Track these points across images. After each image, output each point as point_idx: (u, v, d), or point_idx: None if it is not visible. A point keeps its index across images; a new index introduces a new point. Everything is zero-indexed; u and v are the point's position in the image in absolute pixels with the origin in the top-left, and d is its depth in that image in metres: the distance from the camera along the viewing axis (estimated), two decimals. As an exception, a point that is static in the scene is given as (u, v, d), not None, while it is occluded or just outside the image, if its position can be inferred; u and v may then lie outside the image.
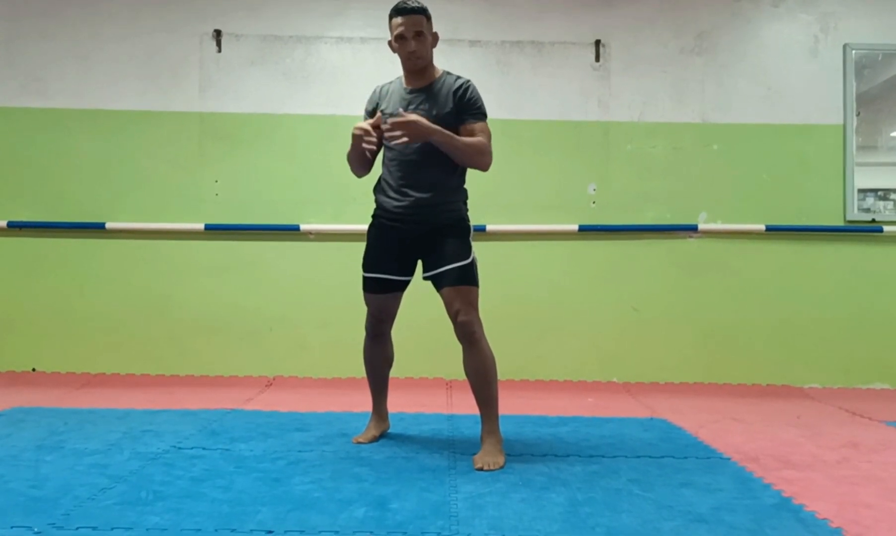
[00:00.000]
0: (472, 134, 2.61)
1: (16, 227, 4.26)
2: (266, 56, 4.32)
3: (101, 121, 4.29)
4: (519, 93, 4.33)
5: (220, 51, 4.31)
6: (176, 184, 4.29)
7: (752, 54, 4.38)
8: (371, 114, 2.72)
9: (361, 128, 2.52)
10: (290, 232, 4.28)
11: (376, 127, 2.61)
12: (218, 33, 4.31)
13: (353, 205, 4.21)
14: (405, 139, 2.45)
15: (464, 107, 2.61)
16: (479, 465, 2.46)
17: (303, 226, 4.26)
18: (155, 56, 4.31)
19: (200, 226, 4.26)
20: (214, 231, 4.28)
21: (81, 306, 4.26)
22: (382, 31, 4.26)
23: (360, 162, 2.69)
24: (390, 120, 2.48)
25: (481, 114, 2.65)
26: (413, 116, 2.47)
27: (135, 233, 4.28)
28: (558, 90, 4.34)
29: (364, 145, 2.54)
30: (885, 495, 2.24)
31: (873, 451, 2.78)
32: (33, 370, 4.26)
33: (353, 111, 4.23)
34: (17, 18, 4.30)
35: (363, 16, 4.30)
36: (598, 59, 4.34)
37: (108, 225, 4.25)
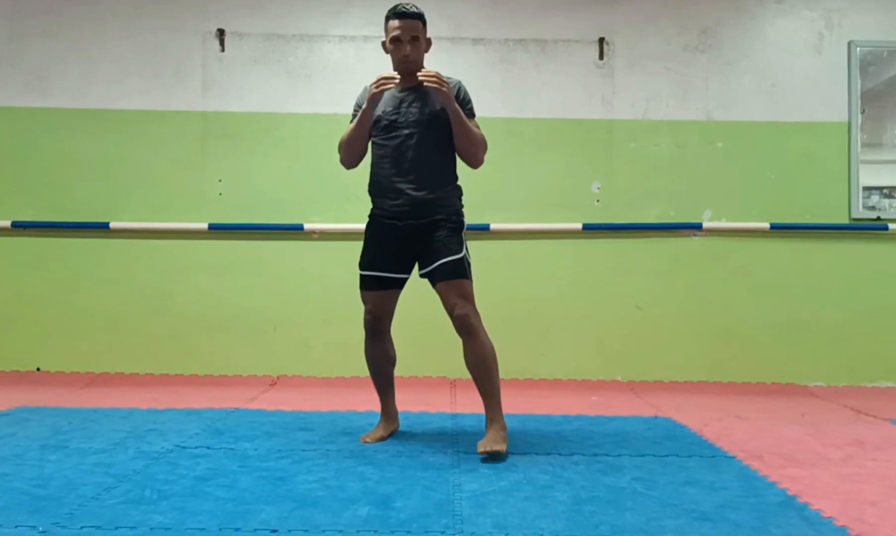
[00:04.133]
0: None
1: (20, 227, 4.26)
2: (269, 54, 4.32)
3: (104, 121, 4.30)
4: (522, 91, 4.32)
5: (223, 49, 4.31)
6: (179, 183, 4.30)
7: (757, 51, 4.36)
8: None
9: (383, 76, 2.55)
10: (293, 231, 4.28)
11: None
12: (221, 32, 4.31)
13: (356, 203, 4.18)
14: (436, 86, 2.51)
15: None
16: (481, 449, 2.51)
17: (306, 226, 4.26)
18: (158, 55, 4.31)
19: (204, 226, 4.26)
20: (218, 230, 4.28)
21: (85, 305, 4.27)
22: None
23: (362, 141, 2.71)
24: (429, 71, 2.53)
25: (472, 113, 2.72)
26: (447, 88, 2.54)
27: (138, 233, 4.29)
28: (562, 88, 4.33)
29: (385, 88, 2.56)
30: (889, 493, 2.23)
31: (878, 449, 2.77)
32: (37, 369, 4.27)
33: (357, 110, 4.25)
34: (19, 17, 4.31)
35: (366, 14, 4.30)
36: (601, 56, 4.33)
37: (112, 224, 4.26)
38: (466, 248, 2.68)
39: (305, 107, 4.31)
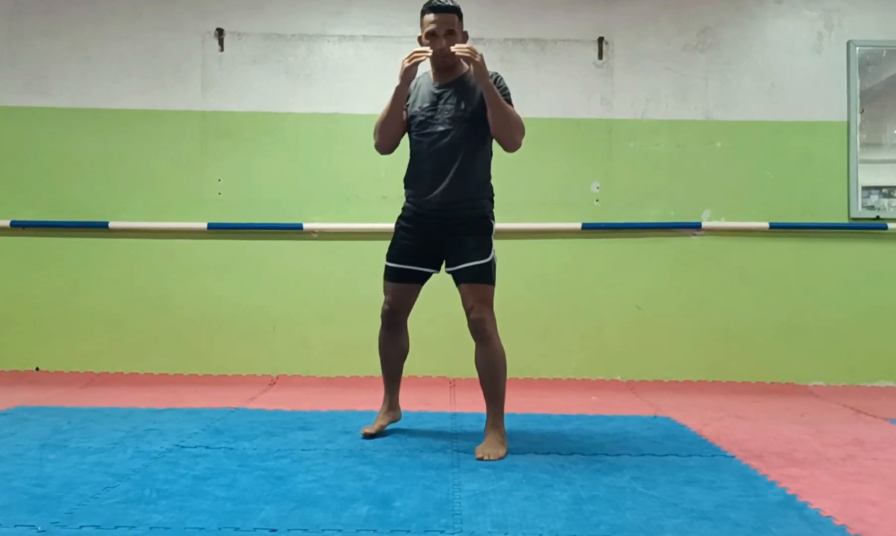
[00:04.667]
0: None
1: (19, 227, 4.26)
2: (268, 54, 4.32)
3: (104, 120, 4.29)
4: (522, 90, 4.28)
5: (222, 49, 4.31)
6: (178, 183, 4.29)
7: (756, 51, 4.36)
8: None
9: (415, 51, 2.54)
10: (292, 230, 4.28)
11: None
12: (220, 32, 4.31)
13: (356, 203, 4.21)
14: (467, 55, 2.47)
15: None
16: (479, 455, 2.52)
17: (306, 225, 4.26)
18: (157, 54, 4.31)
19: (203, 225, 4.26)
20: (217, 230, 4.28)
21: (84, 305, 4.27)
22: (385, 29, 4.29)
23: (396, 121, 2.67)
24: (462, 45, 2.51)
25: (510, 102, 2.66)
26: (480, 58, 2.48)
27: (137, 232, 4.29)
28: (561, 88, 4.33)
29: (417, 61, 2.55)
30: (889, 492, 2.23)
31: (878, 449, 2.77)
32: (37, 369, 4.26)
33: (356, 109, 4.25)
34: (19, 17, 4.31)
35: (365, 14, 4.29)
36: (601, 56, 4.33)
37: (111, 224, 4.25)
38: (494, 251, 2.67)
39: (305, 107, 4.31)
